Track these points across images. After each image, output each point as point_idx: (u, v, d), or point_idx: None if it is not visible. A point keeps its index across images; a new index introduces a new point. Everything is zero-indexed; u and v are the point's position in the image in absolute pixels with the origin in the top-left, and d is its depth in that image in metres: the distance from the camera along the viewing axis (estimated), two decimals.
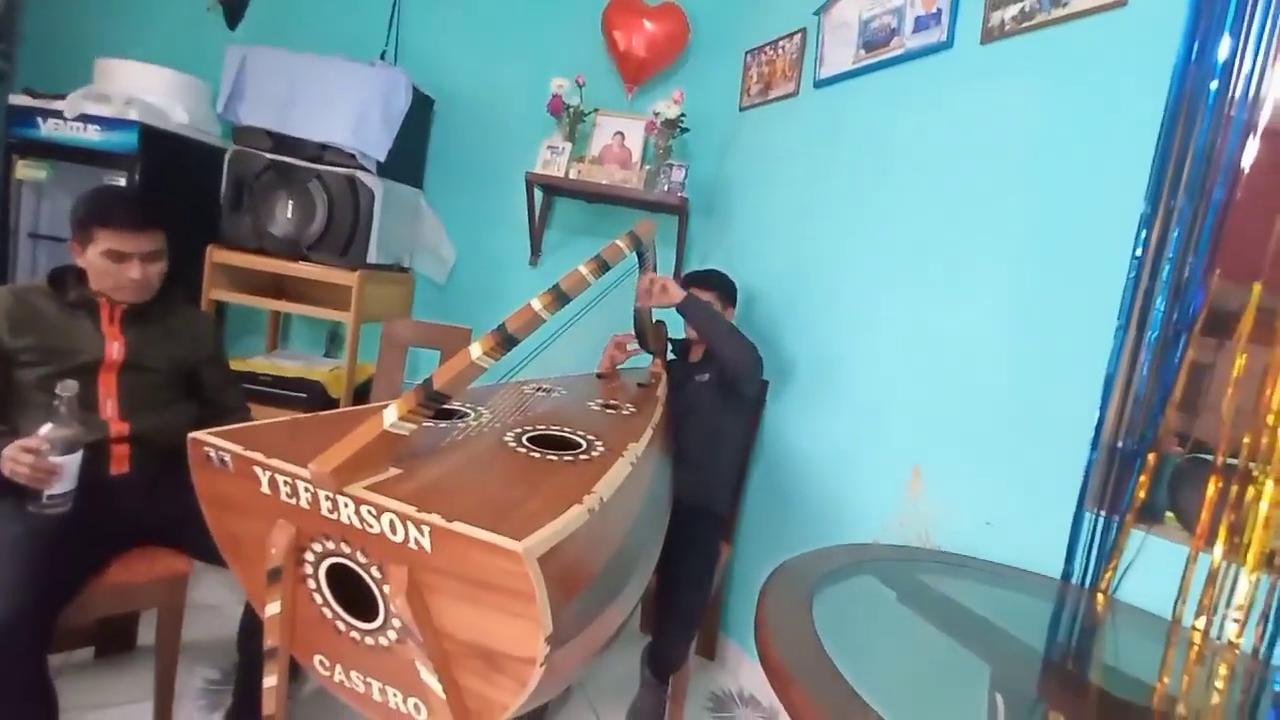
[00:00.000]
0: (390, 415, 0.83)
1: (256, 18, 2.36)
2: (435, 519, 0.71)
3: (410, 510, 0.72)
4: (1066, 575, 1.15)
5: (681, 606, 1.56)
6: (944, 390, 1.44)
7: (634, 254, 1.78)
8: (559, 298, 1.06)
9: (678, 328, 1.89)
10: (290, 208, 2.02)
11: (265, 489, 0.82)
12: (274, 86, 2.00)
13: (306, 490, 0.79)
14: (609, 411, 1.33)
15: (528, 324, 1.01)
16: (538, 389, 1.42)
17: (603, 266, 1.21)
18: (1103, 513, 1.12)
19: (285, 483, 0.80)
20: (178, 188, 2.01)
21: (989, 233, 1.38)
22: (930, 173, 1.55)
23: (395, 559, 0.75)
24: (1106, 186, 1.17)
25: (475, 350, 0.95)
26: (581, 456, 1.00)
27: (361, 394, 2.14)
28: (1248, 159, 1.01)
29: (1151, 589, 1.05)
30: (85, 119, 1.89)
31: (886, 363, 1.61)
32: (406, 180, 2.23)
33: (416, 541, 0.73)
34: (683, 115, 2.21)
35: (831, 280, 1.83)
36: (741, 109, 2.37)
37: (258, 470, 0.82)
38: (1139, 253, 1.10)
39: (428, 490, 0.79)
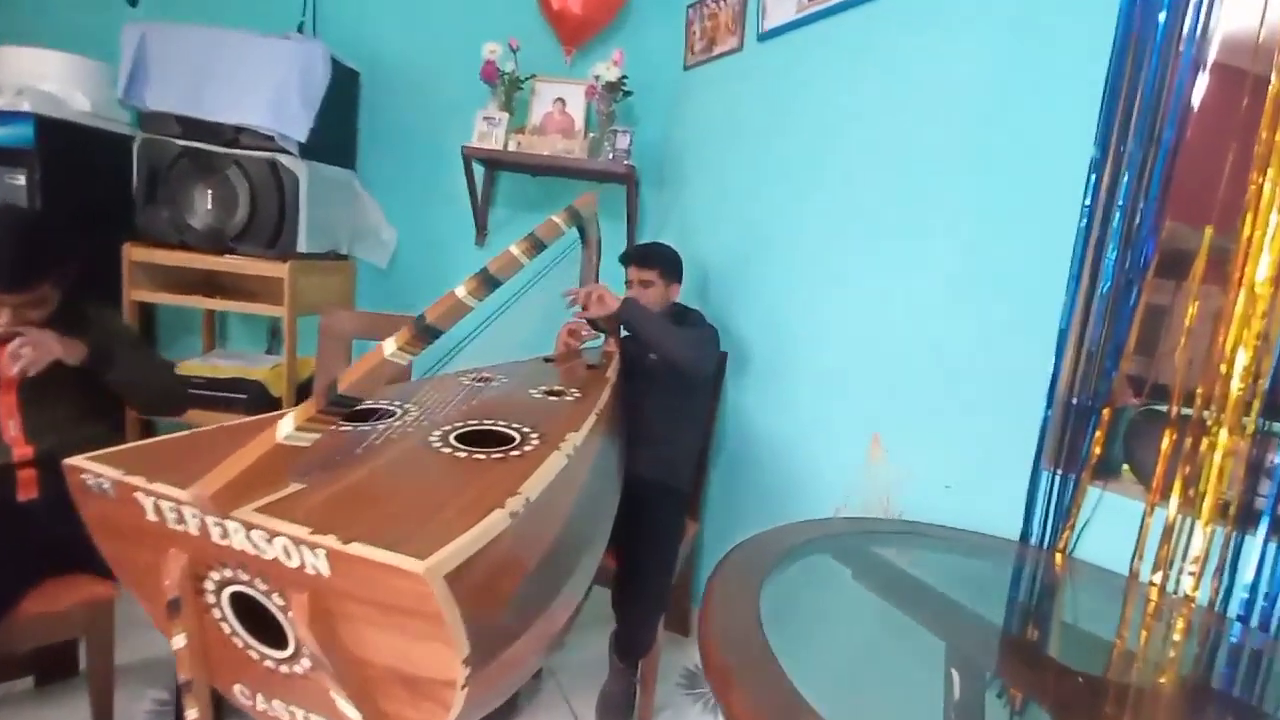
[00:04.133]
0: (285, 426, 0.75)
1: None
2: (330, 541, 0.64)
3: (303, 533, 0.65)
4: (1025, 536, 1.13)
5: (646, 590, 1.52)
6: (900, 355, 1.40)
7: (575, 229, 1.70)
8: (486, 282, 0.99)
9: None
10: (210, 198, 1.88)
11: (151, 516, 0.75)
12: (179, 66, 1.84)
13: (194, 516, 0.72)
14: (551, 398, 1.26)
15: (450, 313, 0.95)
16: (477, 378, 1.35)
17: (537, 245, 1.14)
18: (1059, 470, 1.10)
19: (171, 509, 0.73)
20: (83, 182, 1.87)
21: (938, 190, 1.32)
22: (878, 128, 1.48)
23: (294, 586, 0.68)
24: (1056, 133, 1.12)
25: (389, 346, 0.88)
26: (513, 452, 0.94)
27: (305, 391, 2.04)
28: (1197, 96, 0.96)
29: (1109, 546, 1.03)
30: None
31: (843, 330, 1.56)
32: (335, 161, 2.10)
33: (314, 566, 0.66)
34: (624, 78, 2.10)
35: (786, 247, 1.76)
36: (686, 68, 2.26)
37: (140, 496, 0.74)
38: (1089, 201, 1.05)
39: (331, 506, 0.72)
